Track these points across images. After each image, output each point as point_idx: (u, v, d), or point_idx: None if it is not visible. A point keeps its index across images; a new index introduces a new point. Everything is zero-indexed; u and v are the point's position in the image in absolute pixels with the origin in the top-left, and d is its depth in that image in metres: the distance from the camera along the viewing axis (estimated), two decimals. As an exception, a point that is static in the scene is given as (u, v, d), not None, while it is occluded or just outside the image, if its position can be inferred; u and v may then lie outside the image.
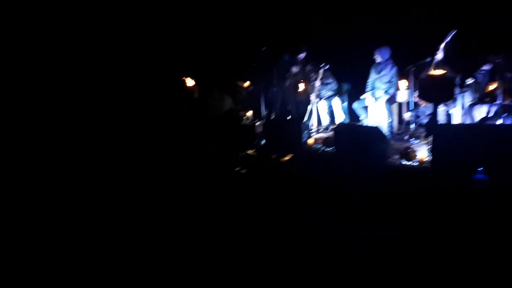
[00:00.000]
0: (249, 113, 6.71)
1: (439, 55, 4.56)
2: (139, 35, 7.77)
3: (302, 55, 6.51)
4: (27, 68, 7.29)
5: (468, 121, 4.57)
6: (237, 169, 5.53)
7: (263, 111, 6.59)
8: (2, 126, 7.04)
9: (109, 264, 3.24)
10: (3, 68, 7.15)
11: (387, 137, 4.71)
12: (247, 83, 7.10)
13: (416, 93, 5.23)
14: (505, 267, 2.57)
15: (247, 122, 6.64)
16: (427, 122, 4.23)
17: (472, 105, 4.52)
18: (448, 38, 4.34)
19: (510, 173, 3.50)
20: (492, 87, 4.28)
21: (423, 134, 5.20)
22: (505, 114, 4.14)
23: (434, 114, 3.91)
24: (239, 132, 6.33)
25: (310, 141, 5.40)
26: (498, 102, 4.18)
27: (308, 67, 6.36)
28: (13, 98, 7.23)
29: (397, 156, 4.44)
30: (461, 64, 4.33)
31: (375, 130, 4.60)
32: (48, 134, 6.91)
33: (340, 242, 3.06)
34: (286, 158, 5.44)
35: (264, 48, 6.30)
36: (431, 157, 3.97)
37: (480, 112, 4.41)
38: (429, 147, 3.93)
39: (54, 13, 7.39)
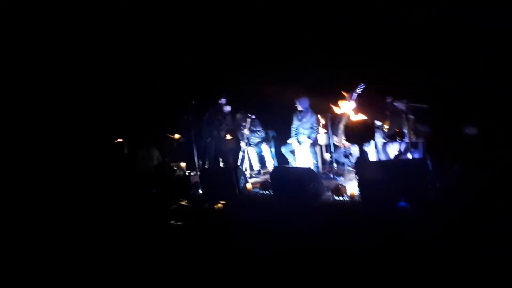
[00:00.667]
0: (183, 164, 6.79)
1: (352, 104, 5.33)
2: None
3: (227, 108, 6.93)
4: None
5: (383, 158, 5.29)
6: (171, 222, 5.53)
7: (196, 162, 6.74)
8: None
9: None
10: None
11: (318, 176, 5.18)
12: (177, 135, 7.23)
13: (335, 137, 5.91)
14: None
15: (181, 173, 6.70)
16: (356, 161, 4.80)
17: (384, 144, 5.27)
18: (359, 90, 5.11)
19: (424, 198, 4.14)
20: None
21: (346, 172, 5.85)
22: (413, 150, 4.93)
23: (361, 154, 4.49)
24: (171, 184, 6.37)
25: (249, 186, 5.65)
26: (406, 140, 4.97)
27: (238, 117, 6.75)
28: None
29: (329, 193, 4.91)
30: (372, 111, 5.09)
31: (308, 171, 5.05)
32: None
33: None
34: (219, 205, 5.61)
35: (193, 101, 6.57)
36: (360, 192, 4.49)
37: (393, 149, 5.16)
38: (358, 183, 4.46)
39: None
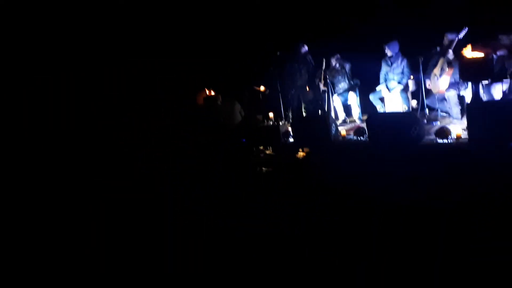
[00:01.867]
0: (271, 114, 7.02)
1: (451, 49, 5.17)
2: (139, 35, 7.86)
3: (307, 55, 6.92)
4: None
5: (486, 99, 5.12)
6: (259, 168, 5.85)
7: (283, 112, 6.92)
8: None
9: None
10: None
11: (420, 120, 5.16)
12: (263, 87, 7.40)
13: (428, 80, 5.76)
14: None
15: (269, 123, 6.94)
16: (469, 102, 4.73)
17: (487, 85, 5.09)
18: (461, 35, 4.95)
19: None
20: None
21: (439, 118, 5.76)
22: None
23: (475, 93, 4.41)
24: (260, 134, 6.64)
25: (343, 132, 5.77)
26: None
27: (332, 63, 6.70)
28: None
29: (431, 136, 4.90)
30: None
31: (409, 114, 5.06)
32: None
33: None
34: (302, 153, 5.79)
35: (278, 52, 6.64)
36: (468, 133, 4.45)
37: (497, 90, 4.99)
38: (467, 123, 4.41)
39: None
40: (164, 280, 3.06)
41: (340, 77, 6.68)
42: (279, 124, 6.65)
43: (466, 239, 2.93)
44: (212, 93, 7.43)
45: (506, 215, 3.19)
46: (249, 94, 7.73)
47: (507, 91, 4.90)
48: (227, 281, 2.98)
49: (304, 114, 7.07)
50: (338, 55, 6.60)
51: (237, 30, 8.05)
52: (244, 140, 6.71)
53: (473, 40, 4.96)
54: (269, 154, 6.43)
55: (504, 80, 4.96)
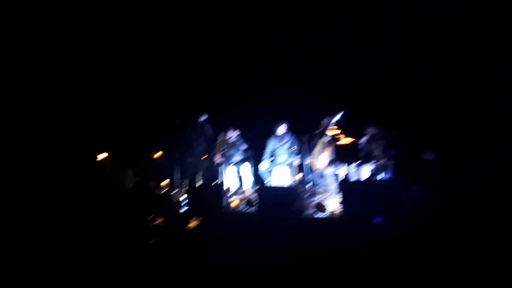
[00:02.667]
0: (165, 182, 6.95)
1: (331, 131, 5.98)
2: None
3: (207, 127, 7.25)
4: None
5: (356, 178, 5.89)
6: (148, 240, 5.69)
7: (179, 180, 6.93)
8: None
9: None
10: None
11: (301, 195, 5.64)
12: (158, 153, 7.38)
13: (309, 158, 6.44)
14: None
15: (162, 191, 6.85)
16: (342, 180, 5.37)
17: (358, 165, 5.89)
18: (338, 117, 5.76)
19: (396, 215, 4.73)
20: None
21: (319, 191, 6.38)
22: (383, 171, 5.58)
23: (347, 173, 5.05)
24: (151, 202, 6.50)
25: (234, 203, 5.97)
26: (377, 162, 5.62)
27: (227, 135, 7.04)
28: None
29: (311, 210, 5.38)
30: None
31: (292, 189, 5.51)
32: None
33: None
34: (194, 222, 5.84)
35: (177, 121, 6.83)
36: (342, 208, 5.01)
37: (365, 170, 5.78)
38: (340, 200, 4.99)
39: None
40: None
41: (235, 149, 7.05)
42: (173, 192, 6.62)
43: None
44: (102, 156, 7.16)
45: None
46: (143, 160, 7.62)
47: (373, 172, 5.73)
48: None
49: (199, 183, 7.18)
50: (234, 128, 7.01)
51: (135, 94, 8.14)
52: (134, 208, 6.48)
53: (344, 126, 5.81)
54: (159, 224, 6.28)
55: (370, 162, 5.83)
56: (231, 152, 7.02)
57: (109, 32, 7.80)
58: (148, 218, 6.20)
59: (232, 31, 7.79)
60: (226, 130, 6.97)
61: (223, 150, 6.86)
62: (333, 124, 5.92)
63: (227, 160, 6.92)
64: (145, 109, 8.08)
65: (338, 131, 5.71)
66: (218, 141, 6.85)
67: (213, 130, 7.23)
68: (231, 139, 6.96)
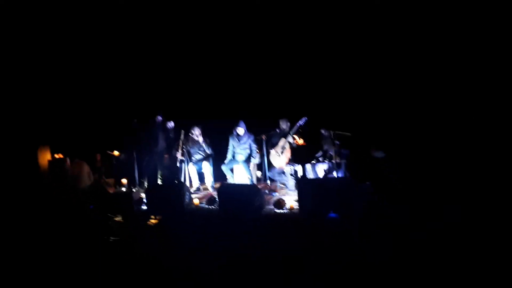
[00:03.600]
0: (124, 180, 6.91)
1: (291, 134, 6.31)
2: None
3: (170, 124, 7.29)
4: None
5: (311, 176, 6.22)
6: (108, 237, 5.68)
7: (137, 178, 6.92)
8: None
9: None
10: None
11: (261, 192, 5.87)
12: (117, 152, 7.31)
13: (269, 156, 6.70)
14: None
15: (122, 189, 6.82)
16: (300, 178, 5.66)
17: (313, 164, 6.22)
18: (302, 122, 6.12)
19: (349, 210, 5.09)
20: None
21: (278, 188, 6.67)
22: (337, 169, 5.95)
23: (303, 173, 5.33)
24: (110, 200, 6.46)
25: (196, 201, 6.08)
26: (332, 161, 5.98)
27: (192, 133, 7.09)
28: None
29: (270, 206, 5.63)
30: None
31: (252, 187, 5.72)
32: None
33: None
34: (154, 220, 5.90)
35: (135, 119, 6.81)
36: (299, 205, 5.30)
37: (320, 168, 6.12)
38: (298, 197, 5.28)
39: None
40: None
41: (196, 147, 7.14)
42: (133, 190, 6.61)
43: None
44: (60, 156, 7.00)
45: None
46: (101, 158, 7.53)
47: (327, 170, 6.08)
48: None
49: (159, 181, 7.21)
50: (197, 127, 7.10)
51: (93, 92, 8.00)
52: (91, 206, 6.41)
53: (303, 129, 6.15)
54: (118, 222, 6.25)
55: (325, 161, 6.19)
56: (193, 150, 7.11)
57: (72, 27, 7.61)
58: (108, 216, 6.18)
59: (192, 29, 7.85)
60: (189, 128, 7.04)
61: (184, 148, 6.93)
62: (297, 128, 6.23)
63: (188, 158, 6.99)
64: (104, 107, 7.95)
65: (301, 138, 6.05)
66: (180, 139, 6.90)
67: (175, 128, 7.28)
68: (193, 137, 7.05)
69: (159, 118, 7.20)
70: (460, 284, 3.55)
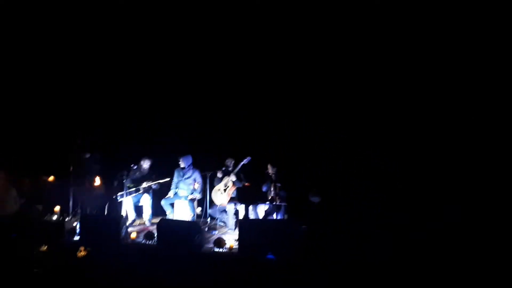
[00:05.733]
0: (57, 208, 6.55)
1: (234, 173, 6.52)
2: None
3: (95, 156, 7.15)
4: None
5: (252, 216, 6.40)
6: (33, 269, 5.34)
7: (71, 207, 6.59)
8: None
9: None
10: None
11: (202, 229, 5.90)
12: (51, 177, 6.93)
13: (212, 193, 6.79)
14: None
15: (53, 218, 6.44)
16: (242, 218, 5.81)
17: (255, 205, 6.43)
18: (245, 161, 6.40)
19: (286, 252, 5.30)
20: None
21: (218, 226, 6.73)
22: (276, 211, 6.20)
23: (246, 213, 5.48)
24: (37, 229, 6.08)
25: (133, 235, 5.92)
26: (273, 203, 6.23)
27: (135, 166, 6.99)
28: None
29: (210, 245, 5.67)
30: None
31: (193, 223, 5.75)
32: None
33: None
34: (82, 252, 5.64)
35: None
36: (239, 244, 5.42)
37: (261, 209, 6.34)
38: (239, 237, 5.40)
39: None
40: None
41: (142, 178, 7.00)
42: (65, 219, 6.29)
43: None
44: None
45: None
46: (30, 182, 7.10)
47: (267, 212, 6.31)
48: None
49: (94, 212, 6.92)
50: (148, 159, 7.02)
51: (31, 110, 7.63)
52: (14, 234, 5.97)
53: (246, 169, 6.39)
54: (43, 252, 5.86)
55: (266, 202, 6.43)
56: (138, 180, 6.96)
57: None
58: (33, 245, 5.79)
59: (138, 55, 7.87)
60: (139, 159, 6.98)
61: (124, 179, 6.78)
62: (241, 167, 6.45)
63: (125, 190, 6.82)
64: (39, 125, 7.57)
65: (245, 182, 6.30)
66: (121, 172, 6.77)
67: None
68: (142, 167, 6.95)
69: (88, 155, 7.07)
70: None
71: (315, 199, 6.68)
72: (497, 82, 6.50)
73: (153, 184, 6.79)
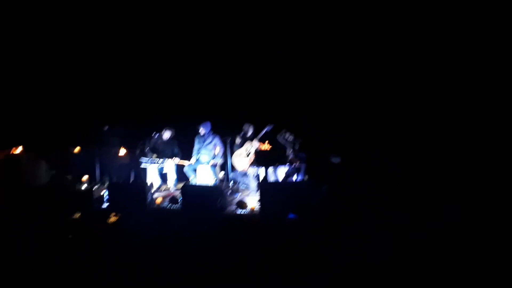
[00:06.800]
0: (85, 177, 6.83)
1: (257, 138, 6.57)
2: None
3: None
4: None
5: (273, 179, 6.49)
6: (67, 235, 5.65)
7: (98, 176, 6.85)
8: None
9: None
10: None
11: (224, 193, 6.05)
12: (77, 148, 7.19)
13: (232, 158, 6.90)
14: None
15: (82, 187, 6.73)
16: (262, 180, 5.92)
17: (275, 168, 6.50)
18: (268, 129, 6.44)
19: (308, 213, 5.39)
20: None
21: (240, 189, 6.88)
22: (296, 173, 6.27)
23: (265, 175, 5.57)
24: (69, 198, 6.37)
25: (158, 200, 6.15)
26: (291, 165, 6.29)
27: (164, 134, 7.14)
28: None
29: (233, 207, 5.83)
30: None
31: (216, 188, 5.89)
32: None
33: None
34: (113, 219, 5.92)
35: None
36: (260, 206, 5.55)
37: (281, 172, 6.41)
38: (259, 198, 5.52)
39: None
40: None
41: (163, 147, 7.17)
42: (93, 188, 6.56)
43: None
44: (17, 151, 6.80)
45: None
46: (58, 154, 7.38)
47: (287, 174, 6.38)
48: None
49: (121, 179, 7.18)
50: (169, 130, 7.16)
51: (55, 90, 7.84)
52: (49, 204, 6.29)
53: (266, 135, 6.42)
54: (76, 219, 6.19)
55: (285, 164, 6.49)
56: (160, 149, 7.13)
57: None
58: (66, 213, 6.10)
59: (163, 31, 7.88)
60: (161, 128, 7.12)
61: (147, 147, 6.95)
62: (263, 134, 6.49)
63: (150, 157, 7.01)
64: (64, 102, 7.80)
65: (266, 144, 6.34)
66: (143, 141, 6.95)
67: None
68: (163, 138, 7.10)
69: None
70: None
71: (336, 160, 6.69)
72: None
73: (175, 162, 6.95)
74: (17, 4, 7.25)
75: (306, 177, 6.49)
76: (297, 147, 6.27)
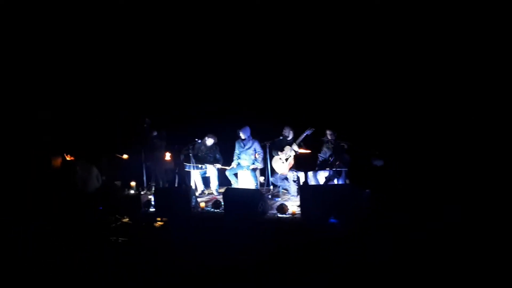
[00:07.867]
0: (133, 183, 7.17)
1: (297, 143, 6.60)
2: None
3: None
4: None
5: (313, 183, 6.48)
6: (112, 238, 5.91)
7: (145, 181, 7.18)
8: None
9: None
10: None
11: (265, 197, 6.13)
12: (126, 156, 7.57)
13: (272, 162, 6.97)
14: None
15: (131, 192, 7.08)
16: (301, 185, 5.95)
17: (315, 172, 6.49)
18: (308, 132, 6.47)
19: (349, 216, 5.34)
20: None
21: (280, 194, 6.92)
22: (337, 177, 6.21)
23: (305, 179, 5.60)
24: (118, 202, 6.72)
25: (202, 204, 6.34)
26: (333, 169, 6.25)
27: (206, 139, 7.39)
28: None
29: (273, 211, 5.89)
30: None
31: (256, 192, 5.98)
32: None
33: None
34: (160, 223, 6.14)
35: (145, 123, 7.12)
36: (301, 210, 5.57)
37: (322, 176, 6.39)
38: (299, 202, 5.54)
39: None
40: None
41: (206, 153, 7.39)
42: (141, 193, 6.86)
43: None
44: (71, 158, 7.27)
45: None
46: (108, 161, 7.79)
47: (328, 178, 6.35)
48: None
49: (166, 185, 7.48)
50: (211, 137, 7.38)
51: (103, 97, 8.29)
52: (100, 208, 6.66)
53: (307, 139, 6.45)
54: (125, 223, 6.50)
55: (326, 169, 6.46)
56: (203, 155, 7.34)
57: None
58: (115, 217, 6.43)
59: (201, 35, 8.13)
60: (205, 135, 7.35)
61: (190, 153, 7.19)
62: (302, 138, 6.52)
63: (194, 162, 7.24)
64: (111, 110, 8.24)
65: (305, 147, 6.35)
66: (186, 146, 7.18)
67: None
68: (205, 143, 7.31)
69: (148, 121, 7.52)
70: (460, 284, 3.72)
71: (378, 163, 6.56)
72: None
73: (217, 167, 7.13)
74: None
75: (347, 181, 6.43)
76: (342, 150, 6.22)
